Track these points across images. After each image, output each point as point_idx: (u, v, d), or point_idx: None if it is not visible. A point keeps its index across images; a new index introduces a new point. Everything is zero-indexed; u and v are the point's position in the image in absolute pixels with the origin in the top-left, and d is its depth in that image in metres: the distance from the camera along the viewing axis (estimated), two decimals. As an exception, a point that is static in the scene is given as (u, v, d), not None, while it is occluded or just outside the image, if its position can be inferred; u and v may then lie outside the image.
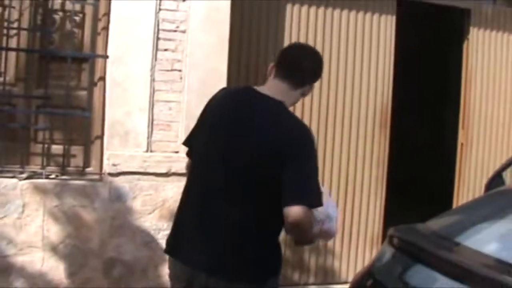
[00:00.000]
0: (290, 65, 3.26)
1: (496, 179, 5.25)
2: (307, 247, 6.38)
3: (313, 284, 6.57)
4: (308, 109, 6.45)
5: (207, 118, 3.34)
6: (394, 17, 6.87)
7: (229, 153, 3.13)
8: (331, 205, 3.32)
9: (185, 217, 3.29)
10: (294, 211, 2.95)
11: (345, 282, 6.57)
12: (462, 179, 7.32)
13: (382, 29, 6.83)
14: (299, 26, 6.45)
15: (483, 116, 7.37)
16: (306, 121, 6.32)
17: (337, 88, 6.61)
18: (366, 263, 4.09)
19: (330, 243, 6.52)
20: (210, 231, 3.15)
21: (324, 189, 3.30)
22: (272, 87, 3.22)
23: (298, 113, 6.22)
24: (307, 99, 6.37)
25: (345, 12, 6.65)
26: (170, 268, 3.39)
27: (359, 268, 6.36)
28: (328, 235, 3.31)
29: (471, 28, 7.31)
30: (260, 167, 3.04)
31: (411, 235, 3.27)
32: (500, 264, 2.81)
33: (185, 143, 3.49)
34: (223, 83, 5.66)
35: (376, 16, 6.79)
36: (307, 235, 3.10)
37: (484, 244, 3.10)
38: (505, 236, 3.24)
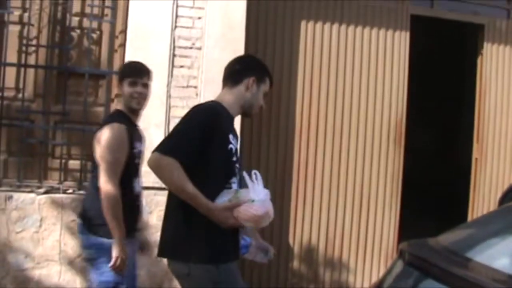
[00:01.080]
0: (225, 71, 3.93)
1: (510, 194, 5.26)
2: (321, 261, 6.44)
3: (328, 297, 6.62)
4: (323, 124, 6.50)
5: None
6: (408, 33, 6.91)
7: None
8: (259, 191, 3.50)
9: None
10: (150, 156, 3.44)
11: (359, 296, 6.62)
12: (477, 193, 7.32)
13: (396, 45, 6.88)
14: (314, 43, 6.53)
15: (497, 130, 7.38)
16: (319, 136, 6.41)
17: (352, 104, 6.66)
18: (379, 277, 4.12)
19: (345, 257, 6.58)
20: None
21: (257, 175, 3.54)
22: (219, 95, 3.88)
23: (313, 128, 6.32)
24: (320, 114, 6.45)
25: (359, 29, 6.72)
26: None
27: (373, 282, 6.39)
28: (247, 216, 3.45)
29: (485, 43, 7.34)
30: None
31: (422, 250, 3.29)
32: (511, 280, 2.84)
33: None
34: (238, 99, 5.76)
35: (390, 32, 6.84)
36: (166, 179, 3.46)
37: (495, 259, 3.12)
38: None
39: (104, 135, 4.02)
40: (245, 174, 3.57)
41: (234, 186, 3.61)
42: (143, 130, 5.57)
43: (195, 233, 3.49)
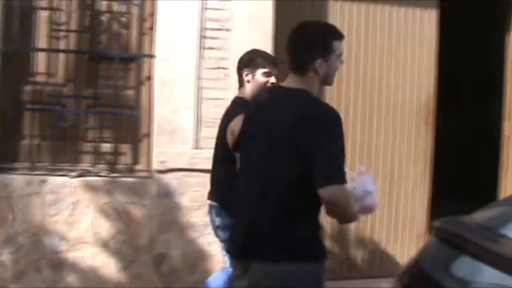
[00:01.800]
0: (287, 54, 3.39)
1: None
2: (353, 238, 6.46)
3: (359, 277, 6.61)
4: (352, 105, 6.48)
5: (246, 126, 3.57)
6: (437, 12, 6.87)
7: (259, 147, 3.32)
8: (368, 181, 3.55)
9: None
10: (328, 192, 3.08)
11: (391, 276, 6.60)
12: (507, 172, 7.28)
13: (425, 24, 6.81)
14: (342, 23, 6.48)
15: (529, 108, 7.34)
16: (349, 117, 6.40)
17: (381, 83, 6.62)
18: (411, 257, 4.11)
19: (376, 237, 6.59)
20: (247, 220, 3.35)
21: (362, 168, 3.64)
22: (289, 81, 3.39)
23: (342, 109, 6.28)
24: (351, 94, 6.45)
25: (387, 8, 6.66)
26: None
27: (405, 262, 6.39)
28: (370, 209, 3.53)
29: (514, 19, 7.30)
30: (282, 151, 3.20)
31: (456, 227, 3.29)
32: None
33: None
34: (267, 80, 5.77)
35: (418, 11, 6.79)
36: (346, 212, 3.21)
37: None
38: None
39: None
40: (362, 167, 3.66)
41: None
42: (175, 113, 5.66)
43: (308, 231, 3.30)
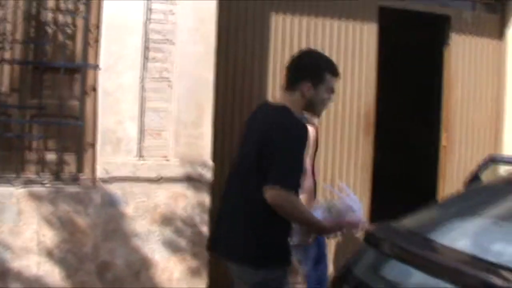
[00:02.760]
0: (285, 72, 3.81)
1: (474, 179, 5.42)
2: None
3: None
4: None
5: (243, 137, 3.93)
6: (376, 25, 7.06)
7: (242, 155, 3.76)
8: (352, 198, 3.90)
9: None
10: (269, 193, 3.43)
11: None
12: (445, 180, 7.49)
13: (365, 37, 7.01)
14: (284, 35, 6.64)
15: (465, 119, 7.56)
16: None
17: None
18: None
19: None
20: (229, 220, 3.73)
21: (343, 185, 4.14)
22: (279, 97, 3.86)
23: None
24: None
25: (328, 21, 6.84)
26: None
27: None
28: (354, 226, 3.80)
29: (451, 34, 7.52)
30: (257, 160, 3.54)
31: (385, 232, 3.43)
32: (469, 258, 2.96)
33: None
34: (210, 91, 5.87)
35: (359, 24, 6.98)
36: (292, 215, 3.53)
37: (455, 240, 3.26)
38: (477, 233, 3.39)
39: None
40: (328, 186, 4.38)
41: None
42: (119, 123, 5.72)
43: (276, 240, 3.60)
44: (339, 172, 6.87)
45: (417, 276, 2.98)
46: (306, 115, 3.96)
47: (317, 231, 3.95)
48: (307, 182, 4.75)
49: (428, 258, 2.99)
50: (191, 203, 5.84)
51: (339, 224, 3.76)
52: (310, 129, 4.21)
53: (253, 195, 3.52)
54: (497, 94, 7.79)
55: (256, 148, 3.56)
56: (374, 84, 7.03)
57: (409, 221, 3.61)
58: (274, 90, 6.57)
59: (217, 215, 3.97)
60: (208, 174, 5.90)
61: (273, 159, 3.45)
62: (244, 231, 3.59)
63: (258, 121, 3.74)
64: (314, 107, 3.79)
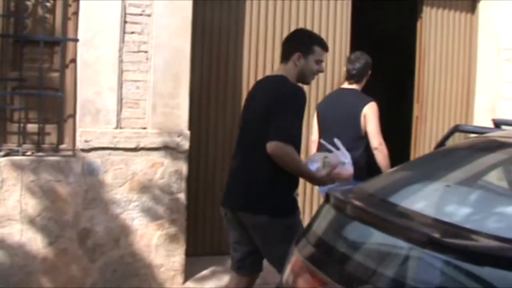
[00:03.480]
0: (281, 47, 4.48)
1: (444, 142, 5.53)
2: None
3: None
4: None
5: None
6: (349, 1, 7.20)
7: (246, 118, 4.37)
8: (344, 153, 4.48)
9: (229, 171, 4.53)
10: (271, 146, 4.01)
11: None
12: (416, 150, 7.66)
13: (339, 14, 7.13)
14: (259, 11, 6.77)
15: (437, 91, 7.71)
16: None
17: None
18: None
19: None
20: (237, 177, 4.34)
21: (338, 142, 4.54)
22: (277, 70, 4.50)
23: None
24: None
25: (302, 1, 7.00)
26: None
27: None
28: (345, 177, 4.42)
29: (424, 7, 7.65)
30: (261, 120, 4.09)
31: (348, 195, 3.57)
32: (423, 219, 3.10)
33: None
34: (186, 63, 5.99)
35: (332, 2, 7.13)
36: (290, 165, 4.08)
37: (412, 203, 3.39)
38: (433, 195, 3.52)
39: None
40: (323, 141, 4.76)
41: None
42: (98, 94, 5.84)
43: (281, 190, 4.19)
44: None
45: (377, 236, 3.10)
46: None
47: (310, 181, 4.44)
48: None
49: (385, 219, 3.11)
50: (168, 171, 5.99)
51: (331, 176, 4.31)
52: (374, 104, 5.65)
53: (262, 154, 4.06)
54: (468, 66, 7.93)
55: (264, 112, 4.10)
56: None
57: (370, 185, 3.75)
58: (249, 70, 6.72)
59: (229, 174, 4.48)
60: (185, 143, 6.03)
61: (274, 118, 4.02)
62: (257, 185, 4.17)
63: (261, 91, 4.30)
64: (304, 76, 4.39)
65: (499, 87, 7.69)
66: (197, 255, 6.59)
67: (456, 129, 5.56)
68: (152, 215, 5.96)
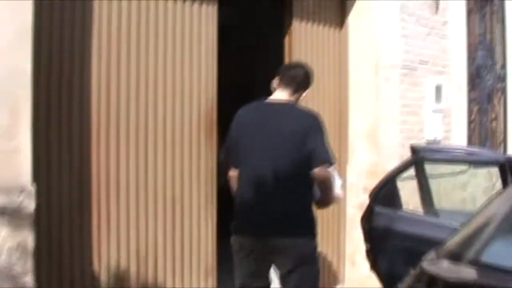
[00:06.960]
0: (288, 78, 4.58)
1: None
2: None
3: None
4: (124, 119, 5.00)
5: (242, 131, 4.48)
6: (216, 8, 5.69)
7: (271, 144, 4.33)
8: (337, 176, 4.58)
9: (245, 200, 4.40)
10: (319, 170, 4.24)
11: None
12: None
13: (204, 20, 5.60)
14: (110, 23, 4.99)
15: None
16: (123, 135, 5.03)
17: (157, 92, 5.26)
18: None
19: (160, 277, 5.26)
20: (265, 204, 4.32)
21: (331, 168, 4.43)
22: (278, 95, 4.57)
23: (113, 127, 4.99)
24: (124, 107, 5.05)
25: (161, 3, 5.32)
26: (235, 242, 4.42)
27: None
28: (338, 199, 4.75)
29: (293, 21, 6.50)
30: (291, 147, 4.28)
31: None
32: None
33: (226, 157, 4.64)
34: (28, 87, 4.13)
35: (196, 6, 5.56)
36: (330, 186, 4.40)
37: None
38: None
39: None
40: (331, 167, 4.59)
41: None
42: None
43: (312, 211, 4.42)
44: (180, 184, 5.42)
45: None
46: None
47: (331, 201, 4.64)
48: None
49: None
50: (8, 245, 4.00)
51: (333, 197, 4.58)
52: None
53: (298, 177, 4.25)
54: (339, 87, 7.00)
55: (300, 138, 4.27)
56: (214, 73, 5.69)
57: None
58: (100, 88, 4.90)
59: (245, 203, 4.37)
60: (29, 203, 4.06)
61: (314, 144, 4.26)
62: (298, 208, 4.31)
63: (289, 118, 4.41)
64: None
65: (380, 108, 6.80)
66: None
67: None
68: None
